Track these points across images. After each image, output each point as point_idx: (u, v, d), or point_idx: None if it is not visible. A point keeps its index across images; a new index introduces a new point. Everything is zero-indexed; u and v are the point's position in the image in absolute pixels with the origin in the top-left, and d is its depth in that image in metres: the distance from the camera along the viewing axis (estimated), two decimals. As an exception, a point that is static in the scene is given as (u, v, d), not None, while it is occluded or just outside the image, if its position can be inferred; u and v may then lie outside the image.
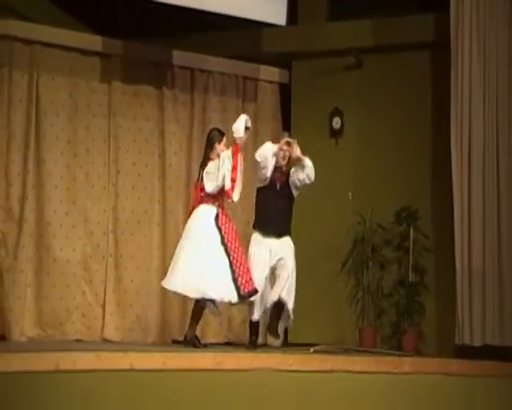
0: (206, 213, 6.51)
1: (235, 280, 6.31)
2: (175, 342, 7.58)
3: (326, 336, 7.38)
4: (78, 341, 7.14)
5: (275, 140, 6.92)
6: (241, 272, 6.34)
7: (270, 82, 8.43)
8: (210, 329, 7.73)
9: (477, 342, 6.96)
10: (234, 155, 6.43)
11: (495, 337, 6.94)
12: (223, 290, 6.31)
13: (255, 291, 6.40)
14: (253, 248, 6.67)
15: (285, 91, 8.47)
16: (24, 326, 7.00)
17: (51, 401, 4.63)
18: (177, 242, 7.21)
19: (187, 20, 7.76)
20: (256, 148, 8.19)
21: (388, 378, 5.97)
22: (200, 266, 6.31)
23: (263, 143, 8.15)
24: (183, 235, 6.59)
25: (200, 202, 6.57)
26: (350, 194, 7.95)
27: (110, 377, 4.89)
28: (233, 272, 6.32)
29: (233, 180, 6.35)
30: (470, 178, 7.20)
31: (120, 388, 4.93)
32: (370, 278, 7.63)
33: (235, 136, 6.57)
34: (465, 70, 7.28)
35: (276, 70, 8.45)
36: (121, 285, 7.47)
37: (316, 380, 5.72)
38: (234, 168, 6.37)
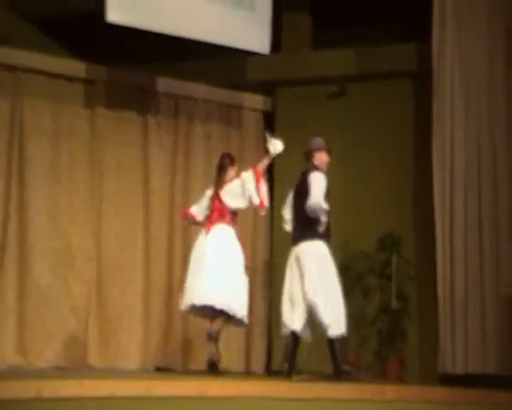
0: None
1: None
2: (158, 369, 7.54)
3: (309, 363, 7.34)
4: (60, 368, 7.08)
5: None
6: None
7: (254, 110, 8.48)
8: (193, 356, 7.69)
9: (460, 370, 6.97)
10: (259, 174, 6.72)
11: (477, 365, 6.95)
12: None
13: None
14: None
15: (269, 119, 8.51)
16: (5, 353, 6.94)
17: (33, 428, 4.57)
18: (161, 266, 7.25)
19: (171, 47, 7.77)
20: (240, 174, 8.24)
21: (371, 406, 5.94)
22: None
23: (247, 169, 8.23)
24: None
25: (217, 221, 6.67)
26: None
27: (93, 405, 4.82)
28: None
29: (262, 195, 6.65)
30: (452, 205, 7.25)
31: (103, 416, 4.87)
32: (354, 306, 7.62)
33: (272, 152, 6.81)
34: (447, 99, 7.35)
35: (259, 98, 8.50)
36: (104, 311, 7.43)
37: (299, 408, 5.67)
38: (260, 185, 6.66)
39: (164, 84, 7.95)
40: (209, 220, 6.72)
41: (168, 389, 5.29)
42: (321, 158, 6.72)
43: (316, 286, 6.32)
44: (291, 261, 6.50)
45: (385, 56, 7.98)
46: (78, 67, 7.57)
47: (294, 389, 5.89)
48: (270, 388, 5.76)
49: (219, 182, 6.78)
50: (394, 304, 7.53)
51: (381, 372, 7.42)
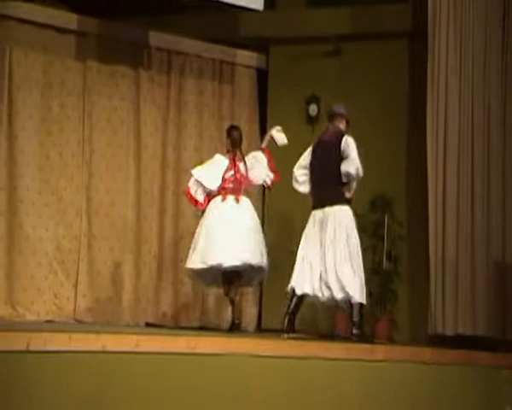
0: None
1: None
2: (148, 324, 7.54)
3: (300, 322, 7.35)
4: (49, 321, 7.05)
5: None
6: None
7: (248, 66, 8.40)
8: (183, 313, 7.69)
9: (449, 332, 7.00)
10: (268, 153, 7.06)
11: (467, 327, 6.98)
12: None
13: None
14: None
15: (262, 76, 8.42)
16: (-6, 305, 6.92)
17: (21, 381, 4.52)
18: (151, 223, 7.18)
19: (165, 1, 7.67)
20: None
21: (361, 366, 5.96)
22: None
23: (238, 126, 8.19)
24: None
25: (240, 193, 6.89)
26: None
27: (82, 359, 4.80)
28: None
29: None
30: (445, 167, 7.23)
31: (92, 369, 4.84)
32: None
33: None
34: (441, 59, 7.30)
35: (253, 55, 8.41)
36: (94, 266, 7.39)
37: (289, 366, 5.68)
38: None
39: (157, 38, 7.85)
40: (234, 190, 6.82)
41: (158, 345, 5.26)
42: (344, 124, 6.70)
43: (346, 254, 6.30)
44: (313, 223, 6.45)
45: (380, 15, 7.90)
46: (69, 19, 7.43)
47: (284, 347, 5.89)
48: (261, 345, 5.75)
49: (239, 155, 6.91)
50: (385, 265, 7.52)
51: (371, 333, 7.42)
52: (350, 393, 5.85)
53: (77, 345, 4.84)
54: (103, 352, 4.93)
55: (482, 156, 7.18)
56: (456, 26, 7.30)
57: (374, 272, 7.57)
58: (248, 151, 8.28)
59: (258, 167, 6.94)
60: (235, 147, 6.92)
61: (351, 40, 8.02)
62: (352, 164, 6.31)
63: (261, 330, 7.71)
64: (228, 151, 6.93)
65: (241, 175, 6.88)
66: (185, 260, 6.84)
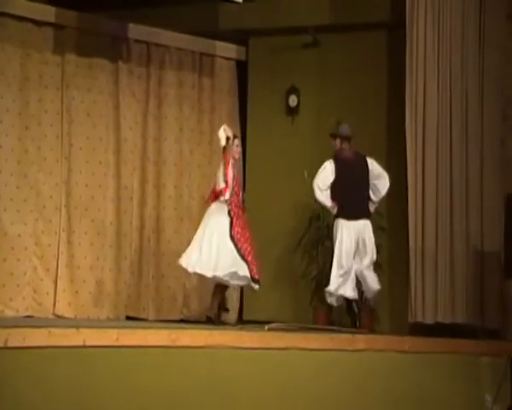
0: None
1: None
2: (129, 318, 7.52)
3: (281, 313, 7.38)
4: (28, 317, 7.01)
5: None
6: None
7: (227, 58, 8.39)
8: (165, 306, 7.69)
9: (429, 320, 7.05)
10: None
11: (446, 315, 7.04)
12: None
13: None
14: None
15: (242, 68, 8.42)
16: (-28, 301, 6.86)
17: (0, 377, 4.53)
18: (131, 216, 7.17)
19: (144, -8, 7.65)
20: (212, 124, 8.20)
21: (342, 355, 6.01)
22: None
23: (219, 118, 8.19)
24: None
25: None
26: (306, 172, 7.93)
27: (62, 354, 4.80)
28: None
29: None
30: (424, 156, 7.27)
31: (72, 364, 4.85)
32: (325, 256, 7.64)
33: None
34: (420, 48, 7.34)
35: (233, 47, 8.39)
36: (74, 261, 7.35)
37: (270, 357, 5.71)
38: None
39: (135, 30, 7.81)
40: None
41: (139, 338, 5.27)
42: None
43: (372, 260, 7.00)
44: (351, 232, 6.94)
45: (359, 6, 7.90)
46: (47, 12, 7.37)
47: (266, 338, 5.92)
48: (242, 337, 5.76)
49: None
50: (366, 256, 7.54)
51: (352, 322, 7.45)
52: (332, 382, 5.91)
53: (57, 340, 4.84)
54: (84, 347, 4.93)
55: (460, 147, 7.24)
56: (433, 15, 7.33)
57: (354, 263, 7.60)
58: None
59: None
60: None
61: (329, 31, 8.03)
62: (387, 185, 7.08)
63: (243, 321, 7.71)
64: None
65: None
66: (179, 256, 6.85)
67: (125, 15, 7.80)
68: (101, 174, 7.58)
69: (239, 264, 6.69)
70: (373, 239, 6.99)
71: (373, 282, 6.96)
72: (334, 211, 7.01)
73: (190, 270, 6.73)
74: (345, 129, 7.15)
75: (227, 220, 6.76)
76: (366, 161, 7.09)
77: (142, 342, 5.26)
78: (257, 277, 6.78)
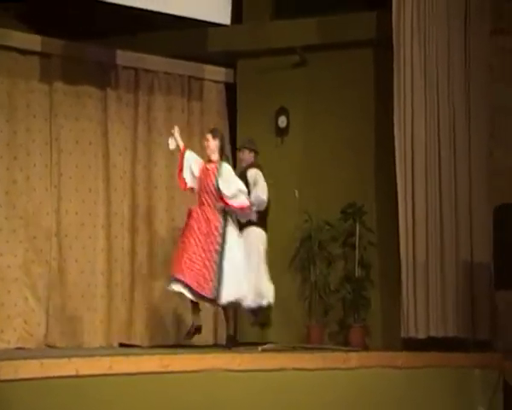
0: None
1: None
2: (122, 345, 7.52)
3: (274, 334, 7.39)
4: (20, 348, 6.95)
5: None
6: None
7: (216, 81, 8.42)
8: (158, 331, 7.68)
9: (422, 335, 7.07)
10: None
11: (438, 329, 7.07)
12: None
13: None
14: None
15: (231, 90, 8.46)
16: (-38, 335, 6.83)
17: (-7, 410, 4.54)
18: (123, 242, 7.16)
19: (130, 19, 7.63)
20: (202, 147, 8.22)
21: (336, 374, 6.03)
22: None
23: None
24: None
25: None
26: (296, 192, 7.98)
27: (55, 385, 4.81)
28: None
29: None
30: (413, 173, 7.32)
31: (66, 395, 4.85)
32: (317, 274, 7.68)
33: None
34: (407, 66, 7.40)
35: (221, 69, 8.43)
36: (66, 289, 7.33)
37: (265, 379, 5.73)
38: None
39: (123, 57, 7.83)
40: None
41: (131, 365, 5.28)
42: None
43: None
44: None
45: (345, 25, 7.95)
46: (33, 41, 7.37)
47: (259, 359, 5.94)
48: (235, 359, 5.78)
49: None
50: (358, 272, 7.58)
51: (345, 340, 7.48)
52: (327, 401, 5.93)
53: (49, 371, 4.85)
54: (76, 376, 4.94)
55: (448, 161, 7.30)
56: (419, 34, 7.40)
57: (346, 280, 7.64)
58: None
59: None
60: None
61: (317, 50, 8.07)
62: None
63: (236, 343, 7.70)
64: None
65: None
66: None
67: (112, 42, 7.84)
68: (91, 202, 7.57)
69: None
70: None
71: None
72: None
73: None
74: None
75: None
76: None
77: (135, 369, 5.27)
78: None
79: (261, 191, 7.03)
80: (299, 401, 5.83)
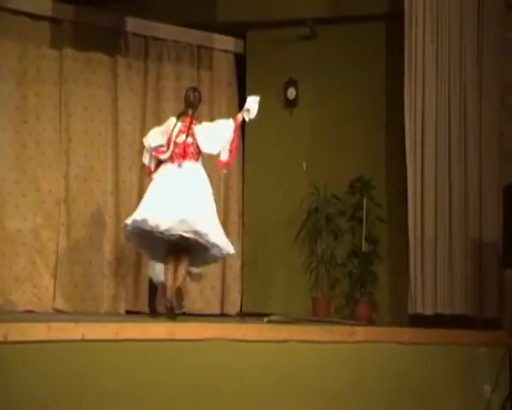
0: None
1: None
2: (128, 312, 7.54)
3: (280, 306, 7.39)
4: (28, 311, 7.02)
5: None
6: None
7: (225, 51, 8.37)
8: (163, 299, 7.69)
9: (429, 311, 7.05)
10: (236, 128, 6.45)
11: (446, 306, 7.04)
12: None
13: None
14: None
15: (240, 61, 8.41)
16: (-28, 296, 6.87)
17: (0, 372, 4.55)
18: (131, 209, 7.16)
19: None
20: (211, 116, 8.21)
21: (341, 347, 6.01)
22: None
23: (218, 111, 8.21)
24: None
25: (189, 158, 6.33)
26: (304, 164, 7.95)
27: (61, 349, 4.82)
28: None
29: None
30: (423, 148, 7.25)
31: (72, 359, 4.86)
32: (324, 247, 7.66)
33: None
34: (418, 40, 7.31)
35: (231, 39, 8.38)
36: (73, 255, 7.36)
37: (269, 350, 5.72)
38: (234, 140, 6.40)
39: (133, 24, 7.80)
40: (179, 154, 6.25)
41: (138, 332, 5.28)
42: None
43: None
44: None
45: (357, -3, 7.89)
46: (44, 6, 7.36)
47: (264, 330, 5.92)
48: (241, 330, 5.77)
49: (192, 117, 6.33)
50: (365, 247, 7.57)
51: (352, 315, 7.48)
52: (331, 375, 5.91)
53: (56, 335, 4.86)
54: (83, 341, 4.95)
55: (459, 136, 7.22)
56: (432, 6, 7.30)
57: (353, 255, 7.63)
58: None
59: (215, 136, 6.31)
60: (190, 109, 6.33)
61: (327, 23, 8.01)
62: None
63: (243, 314, 7.74)
64: (183, 114, 6.34)
65: (193, 140, 6.25)
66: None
67: (122, 8, 7.79)
68: (100, 168, 7.59)
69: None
70: None
71: None
72: None
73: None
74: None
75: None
76: None
77: (141, 335, 5.27)
78: None
79: None
80: (304, 373, 5.83)
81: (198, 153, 6.34)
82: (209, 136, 6.31)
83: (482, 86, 7.27)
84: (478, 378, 6.36)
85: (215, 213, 6.28)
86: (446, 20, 7.29)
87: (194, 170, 6.29)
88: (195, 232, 6.03)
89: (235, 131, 6.37)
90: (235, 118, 6.44)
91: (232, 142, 6.34)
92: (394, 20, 7.63)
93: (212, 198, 6.29)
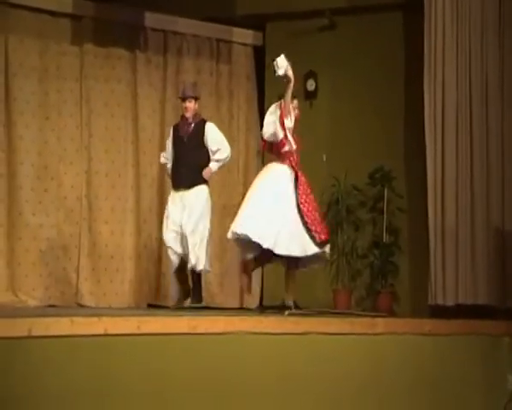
0: None
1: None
2: (150, 306, 7.59)
3: (300, 298, 7.40)
4: (51, 306, 7.09)
5: None
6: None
7: (244, 44, 8.39)
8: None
9: (450, 302, 7.03)
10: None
11: (468, 296, 7.01)
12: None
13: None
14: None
15: (259, 54, 8.41)
16: (-5, 292, 6.95)
17: (23, 367, 4.59)
18: (151, 204, 7.24)
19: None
20: (230, 110, 8.24)
21: (362, 339, 6.01)
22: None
23: (237, 105, 8.23)
24: None
25: None
26: (324, 156, 7.95)
27: (84, 343, 4.86)
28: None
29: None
30: (443, 138, 7.22)
31: (94, 353, 4.90)
32: (345, 239, 7.67)
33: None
34: (438, 31, 7.28)
35: (249, 32, 8.39)
36: (95, 250, 7.43)
37: (290, 342, 5.74)
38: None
39: (152, 19, 7.83)
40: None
41: (159, 326, 5.31)
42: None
43: None
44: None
45: (375, -12, 7.86)
46: (64, 2, 7.41)
47: (285, 323, 5.94)
48: (261, 323, 5.79)
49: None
50: (386, 238, 7.56)
51: (372, 306, 7.48)
52: (352, 367, 5.91)
53: (79, 329, 4.90)
54: (105, 335, 4.99)
55: (480, 125, 7.17)
56: (452, -4, 7.27)
57: (374, 246, 7.62)
58: (247, 129, 8.37)
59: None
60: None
61: (346, 14, 8.00)
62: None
63: (263, 307, 7.76)
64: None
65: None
66: None
67: (141, 4, 7.83)
68: (121, 163, 7.64)
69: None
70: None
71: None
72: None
73: (253, 236, 6.16)
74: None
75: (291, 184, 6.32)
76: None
77: (163, 329, 5.30)
78: (323, 237, 6.27)
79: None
80: (324, 366, 5.83)
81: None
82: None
83: (504, 73, 7.21)
84: (501, 369, 6.33)
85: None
86: (467, 8, 7.23)
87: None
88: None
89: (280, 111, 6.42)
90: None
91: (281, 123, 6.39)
92: (412, 10, 7.61)
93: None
